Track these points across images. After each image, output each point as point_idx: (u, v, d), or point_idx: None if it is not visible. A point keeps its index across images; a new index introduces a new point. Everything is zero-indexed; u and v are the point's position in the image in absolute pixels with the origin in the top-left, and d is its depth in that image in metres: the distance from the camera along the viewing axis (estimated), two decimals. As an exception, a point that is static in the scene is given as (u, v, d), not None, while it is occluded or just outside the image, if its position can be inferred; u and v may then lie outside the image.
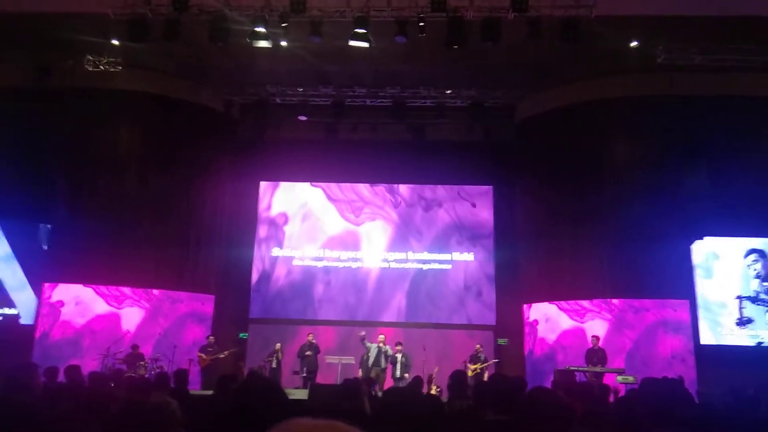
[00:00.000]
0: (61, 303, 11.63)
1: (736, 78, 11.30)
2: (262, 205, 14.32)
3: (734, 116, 11.40)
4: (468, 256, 13.74)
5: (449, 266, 13.72)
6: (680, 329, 11.07)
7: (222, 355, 11.37)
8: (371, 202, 14.17)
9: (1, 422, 2.69)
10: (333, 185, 14.24)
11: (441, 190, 14.15)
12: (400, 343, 11.28)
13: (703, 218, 11.34)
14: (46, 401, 4.04)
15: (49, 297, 11.68)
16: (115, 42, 10.80)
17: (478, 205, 14.01)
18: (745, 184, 11.31)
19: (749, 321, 11.24)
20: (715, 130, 11.56)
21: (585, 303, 11.61)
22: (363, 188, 14.26)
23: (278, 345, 11.71)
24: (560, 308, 11.86)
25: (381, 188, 14.24)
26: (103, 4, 9.59)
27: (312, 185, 14.29)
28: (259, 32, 9.57)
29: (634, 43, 10.44)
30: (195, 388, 9.92)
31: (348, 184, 14.21)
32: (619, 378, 9.48)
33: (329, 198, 14.22)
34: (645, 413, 2.22)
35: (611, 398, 5.57)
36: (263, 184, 14.41)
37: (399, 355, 11.07)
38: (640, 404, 2.25)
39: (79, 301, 11.65)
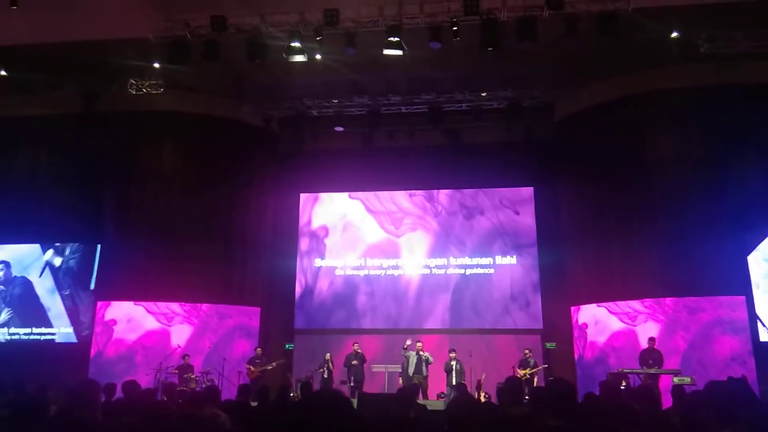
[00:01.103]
0: (113, 321, 12.01)
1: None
2: (303, 217, 14.51)
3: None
4: (511, 260, 13.57)
5: (492, 270, 13.58)
6: (737, 328, 10.64)
7: (270, 367, 11.52)
8: (411, 212, 14.16)
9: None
10: (372, 196, 14.31)
11: (482, 197, 14.02)
12: (453, 350, 11.18)
13: (755, 211, 10.91)
14: (107, 417, 4.15)
15: (103, 316, 12.08)
16: (157, 65, 11.13)
17: (521, 210, 13.83)
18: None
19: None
20: (761, 119, 11.10)
21: (636, 304, 11.27)
22: (402, 198, 14.27)
23: (328, 355, 11.80)
24: (610, 311, 11.54)
25: (420, 197, 14.22)
26: (144, 29, 9.93)
27: (350, 197, 14.40)
28: (294, 47, 9.73)
29: (674, 34, 10.14)
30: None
31: (387, 194, 14.26)
32: (676, 379, 9.16)
33: (369, 210, 14.30)
34: (709, 414, 2.14)
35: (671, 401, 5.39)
36: (303, 197, 14.61)
37: (454, 363, 10.97)
38: (704, 405, 2.17)
39: (131, 318, 11.99)
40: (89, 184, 13.01)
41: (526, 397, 4.55)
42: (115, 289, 12.16)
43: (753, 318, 10.75)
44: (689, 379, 9.11)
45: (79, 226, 12.95)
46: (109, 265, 12.52)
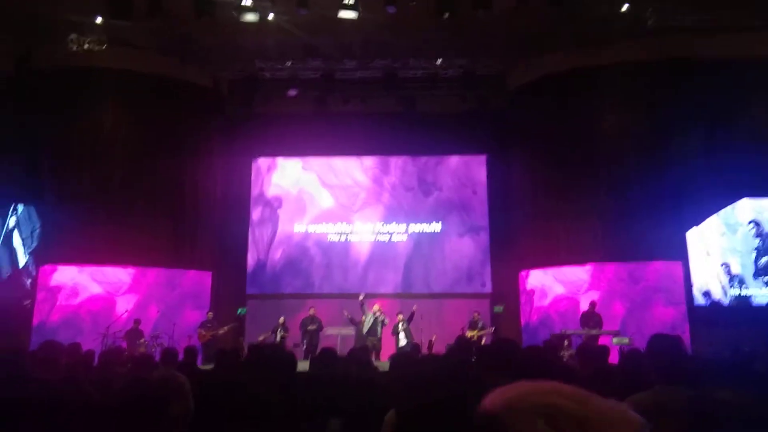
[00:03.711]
0: (58, 287, 11.61)
1: (730, 39, 11.20)
2: (256, 183, 14.32)
3: (729, 79, 11.31)
4: (462, 226, 13.83)
5: (442, 236, 13.82)
6: (674, 295, 11.22)
7: (221, 331, 11.46)
8: (366, 186, 14.15)
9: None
10: (327, 170, 14.22)
11: (441, 171, 14.10)
12: (401, 313, 11.39)
13: (694, 184, 11.41)
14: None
15: (47, 281, 11.66)
16: (99, 20, 10.58)
17: (477, 189, 14.01)
18: (737, 144, 11.33)
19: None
20: (710, 94, 11.51)
21: (580, 272, 11.70)
22: (357, 171, 14.22)
23: (282, 318, 11.83)
24: (556, 278, 11.98)
25: (376, 170, 14.18)
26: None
27: (304, 169, 14.26)
28: (245, 6, 9.43)
29: (624, 7, 10.34)
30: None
31: (342, 165, 14.21)
32: (615, 340, 9.66)
33: (324, 184, 14.22)
34: (653, 368, 2.28)
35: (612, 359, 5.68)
36: (257, 163, 14.38)
37: (401, 324, 11.18)
38: (648, 359, 2.31)
39: (76, 284, 11.64)
40: (27, 146, 12.34)
41: (473, 358, 4.71)
42: (59, 253, 11.74)
43: (689, 285, 11.36)
44: (627, 340, 9.61)
45: (16, 187, 12.28)
46: (51, 228, 12.04)
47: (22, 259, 12.24)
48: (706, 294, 11.49)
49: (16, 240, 12.28)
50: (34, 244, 12.20)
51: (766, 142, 11.24)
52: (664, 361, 2.26)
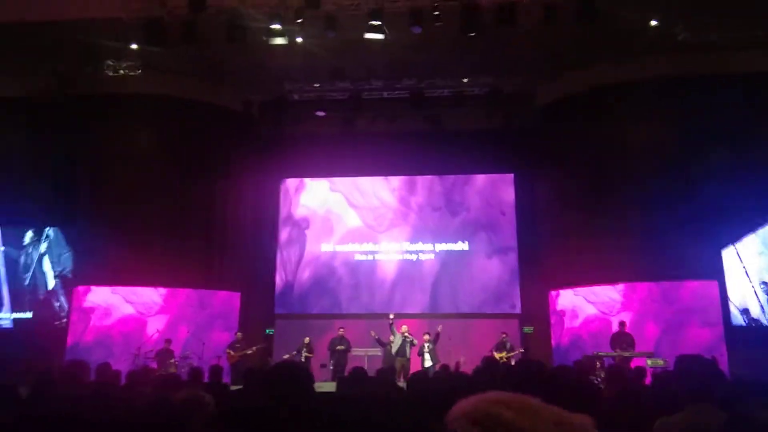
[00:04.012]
0: (92, 308, 11.86)
1: (762, 54, 10.97)
2: (284, 204, 14.47)
3: (761, 94, 11.04)
4: (490, 245, 13.69)
5: (470, 255, 13.70)
6: (710, 315, 10.85)
7: (250, 351, 11.51)
8: (392, 207, 14.16)
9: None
10: (354, 190, 14.29)
11: (469, 191, 14.03)
12: (428, 333, 11.29)
13: (728, 201, 11.09)
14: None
15: (81, 302, 11.92)
16: (134, 46, 10.92)
17: (502, 192, 13.93)
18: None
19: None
20: (742, 109, 11.24)
21: (611, 291, 11.44)
22: (384, 191, 14.25)
23: (307, 339, 11.82)
24: (587, 300, 11.72)
25: (402, 191, 14.20)
26: (118, 8, 9.72)
27: (332, 190, 14.36)
28: (274, 29, 9.61)
29: (653, 22, 10.22)
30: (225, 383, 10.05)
31: (369, 186, 14.25)
32: (649, 362, 9.36)
33: (351, 204, 14.28)
34: (680, 389, 2.20)
35: (647, 380, 5.51)
36: (285, 184, 14.55)
37: (426, 345, 11.08)
38: (675, 380, 2.23)
39: (109, 304, 11.87)
40: (65, 170, 12.76)
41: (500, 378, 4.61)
42: (92, 274, 12.01)
43: (725, 305, 11.00)
44: (662, 362, 9.31)
45: (50, 210, 12.70)
46: (84, 250, 12.35)
47: (51, 282, 12.68)
48: (745, 312, 11.09)
49: (47, 264, 12.75)
50: (63, 268, 12.61)
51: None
52: (693, 382, 2.18)
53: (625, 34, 10.58)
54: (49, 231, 12.84)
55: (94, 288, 11.92)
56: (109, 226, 12.09)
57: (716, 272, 11.11)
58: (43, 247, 12.71)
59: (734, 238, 11.32)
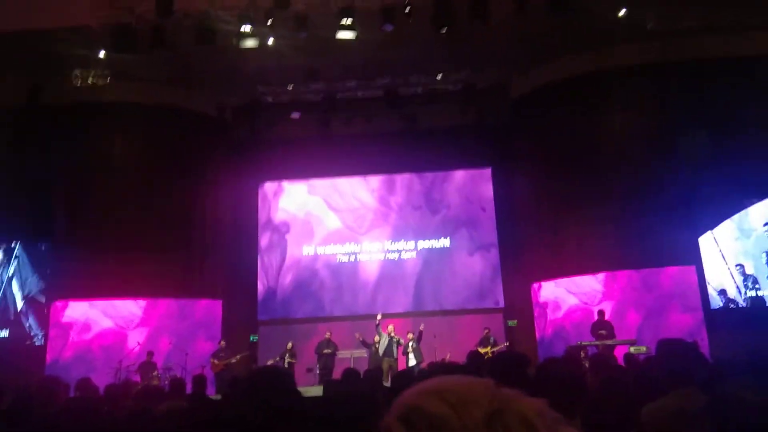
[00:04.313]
0: (70, 324, 11.63)
1: (735, 38, 11.05)
2: (263, 209, 14.33)
3: (736, 78, 11.13)
4: (471, 242, 13.73)
5: (451, 251, 13.72)
6: (689, 301, 11.01)
7: (234, 360, 11.37)
8: (372, 208, 14.10)
9: None
10: (333, 193, 14.21)
11: (450, 192, 14.03)
12: (411, 332, 11.27)
13: (705, 186, 11.25)
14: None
15: (59, 318, 11.67)
16: (102, 54, 10.72)
17: (481, 187, 13.98)
18: (748, 146, 11.16)
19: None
20: (714, 94, 11.36)
21: (592, 282, 11.53)
22: (363, 191, 14.18)
23: (290, 344, 11.70)
24: (569, 291, 11.81)
25: (382, 192, 14.15)
26: (87, 16, 9.54)
27: (310, 193, 14.26)
28: (245, 32, 9.52)
29: (622, 12, 10.32)
30: (209, 394, 9.91)
31: (348, 188, 14.18)
32: (632, 349, 9.45)
33: (330, 207, 14.19)
34: (662, 373, 2.19)
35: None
36: (263, 188, 14.42)
37: (411, 343, 11.06)
38: (657, 365, 2.22)
39: (87, 318, 11.65)
40: (37, 181, 12.49)
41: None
42: (69, 288, 11.77)
43: (704, 288, 11.16)
44: (645, 349, 9.40)
45: (28, 224, 12.46)
46: (62, 263, 12.10)
47: (20, 303, 12.50)
48: (722, 293, 11.26)
49: (15, 286, 12.58)
50: (29, 291, 12.49)
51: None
52: (675, 366, 2.17)
53: (595, 24, 10.67)
54: (17, 252, 12.62)
55: (71, 303, 11.69)
56: (85, 238, 11.87)
57: (694, 258, 11.26)
58: (11, 270, 12.56)
59: (711, 223, 11.48)
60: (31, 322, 12.29)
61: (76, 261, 11.79)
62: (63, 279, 11.96)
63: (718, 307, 11.12)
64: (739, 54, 11.18)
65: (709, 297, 11.16)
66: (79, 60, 10.91)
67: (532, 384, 2.32)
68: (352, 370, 5.10)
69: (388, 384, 7.28)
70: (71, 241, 12.06)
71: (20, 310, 12.42)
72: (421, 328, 11.19)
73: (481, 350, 10.98)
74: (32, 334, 12.25)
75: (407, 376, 3.68)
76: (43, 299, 12.33)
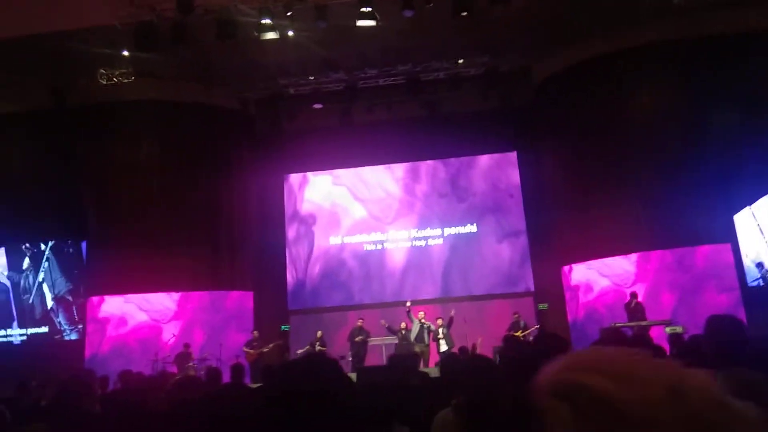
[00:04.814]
0: (107, 318, 11.93)
1: (757, 12, 10.74)
2: (289, 200, 14.42)
3: (761, 51, 10.83)
4: (499, 227, 13.63)
5: (479, 237, 13.64)
6: (725, 280, 10.76)
7: (266, 349, 11.52)
8: (398, 197, 14.06)
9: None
10: (359, 183, 14.20)
11: (476, 178, 13.93)
12: (440, 318, 11.27)
13: (738, 163, 10.95)
14: (104, 408, 4.12)
15: (96, 314, 11.97)
16: (126, 53, 10.85)
17: (507, 172, 13.85)
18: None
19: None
20: (743, 69, 11.03)
21: (624, 263, 11.36)
22: (388, 181, 14.15)
23: (319, 333, 11.81)
24: (601, 273, 11.65)
25: (407, 180, 14.11)
26: (109, 16, 9.65)
27: (335, 183, 14.28)
28: (265, 24, 9.53)
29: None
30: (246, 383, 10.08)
31: (373, 177, 14.16)
32: (668, 329, 9.30)
33: (356, 198, 14.19)
34: (710, 352, 2.14)
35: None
36: (288, 180, 14.50)
37: (441, 329, 11.06)
38: (705, 342, 2.17)
39: (123, 313, 11.92)
40: (64, 181, 12.78)
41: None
42: (104, 284, 12.05)
43: (740, 267, 10.91)
44: (681, 329, 9.25)
45: (57, 224, 12.79)
46: (96, 261, 12.39)
47: (50, 302, 13.02)
48: (760, 265, 10.98)
49: (45, 287, 13.10)
50: (59, 291, 13.01)
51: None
52: (724, 344, 2.12)
53: (618, 3, 10.42)
54: (47, 255, 13.03)
55: (107, 298, 11.96)
56: (116, 235, 12.12)
57: (730, 236, 11.00)
58: (41, 272, 13.06)
59: (747, 200, 11.18)
60: (60, 318, 12.84)
61: (110, 258, 12.07)
62: (98, 276, 12.26)
63: (755, 279, 10.84)
64: (764, 26, 10.82)
65: (747, 270, 10.90)
66: (102, 60, 11.04)
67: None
68: (398, 358, 5.10)
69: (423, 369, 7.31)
70: (103, 239, 12.33)
71: (51, 308, 12.85)
72: (452, 314, 11.18)
73: (516, 334, 10.95)
74: (62, 329, 12.79)
75: (456, 361, 3.67)
76: (70, 297, 12.82)
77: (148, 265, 11.80)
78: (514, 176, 13.81)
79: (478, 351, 10.40)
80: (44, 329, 12.78)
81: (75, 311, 12.75)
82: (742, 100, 11.08)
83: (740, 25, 10.94)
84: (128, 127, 12.62)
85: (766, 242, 10.95)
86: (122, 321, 11.89)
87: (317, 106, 13.28)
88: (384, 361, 11.06)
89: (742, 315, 10.38)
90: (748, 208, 11.06)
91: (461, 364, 3.15)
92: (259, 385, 6.68)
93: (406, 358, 5.82)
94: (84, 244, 12.88)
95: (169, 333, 11.78)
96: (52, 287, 13.02)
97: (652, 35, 11.32)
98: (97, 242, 12.47)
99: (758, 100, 10.93)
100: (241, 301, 12.74)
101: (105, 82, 11.13)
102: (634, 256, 11.31)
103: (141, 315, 11.91)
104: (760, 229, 10.99)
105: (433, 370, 9.74)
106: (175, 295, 12.06)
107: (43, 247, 13.11)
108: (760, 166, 10.87)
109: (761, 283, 10.85)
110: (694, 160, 11.02)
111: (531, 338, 10.87)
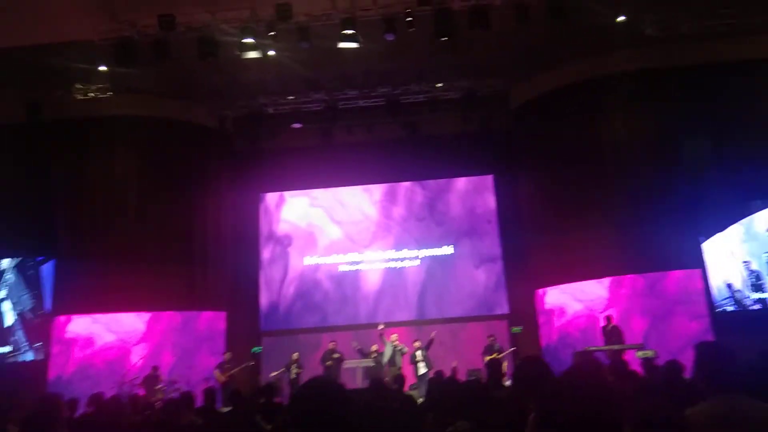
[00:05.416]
0: (74, 339, 11.56)
1: (730, 43, 11.14)
2: (265, 220, 14.31)
3: (736, 82, 11.21)
4: (474, 250, 13.71)
5: (454, 259, 13.70)
6: (695, 307, 10.99)
7: (236, 370, 11.29)
8: (375, 219, 14.08)
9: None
10: (336, 204, 14.18)
11: (453, 202, 14.01)
12: (418, 340, 11.21)
13: (708, 186, 11.28)
14: None
15: (62, 333, 11.59)
16: (103, 68, 10.71)
17: (483, 195, 13.99)
18: (750, 149, 11.20)
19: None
20: (716, 98, 11.41)
21: (597, 288, 11.51)
22: (366, 203, 14.17)
23: (296, 354, 11.64)
24: (574, 297, 11.78)
25: (385, 203, 14.13)
26: (89, 31, 9.53)
27: (312, 206, 14.22)
28: (247, 43, 9.52)
29: (621, 18, 10.37)
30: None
31: (351, 198, 14.16)
32: (639, 353, 9.43)
33: (333, 220, 14.15)
34: (701, 379, 2.16)
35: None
36: (265, 200, 14.40)
37: (419, 352, 10.99)
38: (697, 369, 2.19)
39: (90, 333, 11.57)
40: (36, 197, 12.45)
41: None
42: (73, 303, 11.69)
43: (709, 294, 11.16)
44: (652, 353, 9.38)
45: (26, 240, 12.42)
46: (65, 278, 12.04)
47: (11, 320, 12.54)
48: (729, 286, 11.26)
49: (6, 305, 12.64)
50: (23, 308, 12.58)
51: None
52: (714, 371, 2.15)
53: (594, 31, 10.71)
54: (9, 275, 12.63)
55: (74, 318, 11.61)
56: (87, 252, 11.82)
57: (699, 262, 11.26)
58: (2, 289, 12.57)
59: (716, 228, 11.50)
60: (18, 336, 12.39)
61: (78, 276, 11.75)
62: (66, 294, 11.90)
63: (725, 298, 11.09)
64: (740, 57, 11.26)
65: (717, 290, 11.15)
66: (79, 74, 10.88)
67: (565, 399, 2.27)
68: (378, 382, 5.06)
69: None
70: (73, 257, 12.01)
71: (8, 327, 12.47)
72: (433, 335, 11.14)
73: (487, 359, 10.93)
74: (20, 347, 12.32)
75: (444, 384, 3.63)
76: (31, 315, 12.41)
77: (118, 284, 11.50)
78: (490, 199, 13.97)
79: (456, 375, 10.38)
80: (8, 348, 12.31)
81: (34, 330, 12.33)
82: (712, 128, 11.46)
83: (710, 55, 11.35)
84: (103, 143, 12.41)
85: (736, 264, 11.27)
86: (89, 341, 11.53)
87: (297, 125, 13.27)
88: (358, 384, 10.95)
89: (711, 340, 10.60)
90: (719, 234, 11.38)
91: (452, 388, 3.12)
92: (229, 409, 6.53)
93: (389, 381, 5.77)
94: (44, 266, 12.51)
95: (138, 354, 11.46)
96: (17, 303, 12.58)
97: (626, 64, 11.68)
98: (67, 260, 12.13)
99: (727, 129, 11.33)
100: (213, 321, 12.50)
101: (81, 97, 10.97)
102: (606, 281, 11.47)
103: (109, 335, 11.58)
104: (731, 253, 11.30)
105: (414, 394, 9.67)
106: (145, 315, 11.76)
107: (6, 263, 12.68)
108: (728, 194, 11.22)
109: (731, 303, 11.12)
110: (665, 188, 11.30)
111: (505, 362, 10.88)
